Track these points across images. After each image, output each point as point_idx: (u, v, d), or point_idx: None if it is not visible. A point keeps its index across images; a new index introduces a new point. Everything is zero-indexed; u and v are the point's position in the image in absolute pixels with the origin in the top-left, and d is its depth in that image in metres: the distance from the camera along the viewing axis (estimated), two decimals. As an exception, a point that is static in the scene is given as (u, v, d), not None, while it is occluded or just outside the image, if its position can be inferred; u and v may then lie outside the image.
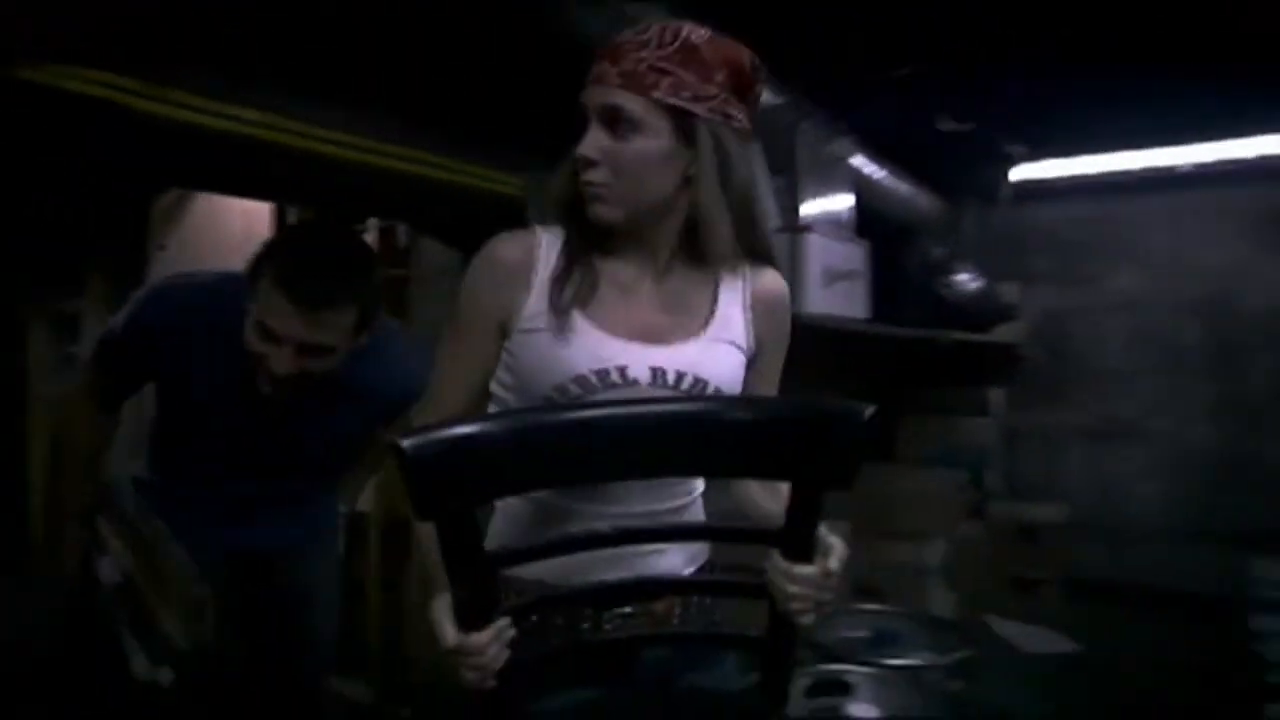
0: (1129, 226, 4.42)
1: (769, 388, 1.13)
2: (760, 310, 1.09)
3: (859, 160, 3.20)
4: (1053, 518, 4.21)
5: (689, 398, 1.02)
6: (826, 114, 2.80)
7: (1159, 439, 4.37)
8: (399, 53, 2.20)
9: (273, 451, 1.55)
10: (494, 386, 1.07)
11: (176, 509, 1.54)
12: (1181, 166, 4.09)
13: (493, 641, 0.84)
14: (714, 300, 1.07)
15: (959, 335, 4.00)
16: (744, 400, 1.05)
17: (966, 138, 3.53)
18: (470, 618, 0.82)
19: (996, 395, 4.60)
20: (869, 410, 0.81)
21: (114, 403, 1.57)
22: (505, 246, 1.05)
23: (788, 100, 2.41)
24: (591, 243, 1.04)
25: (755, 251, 1.08)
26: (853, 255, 2.97)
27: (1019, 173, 4.20)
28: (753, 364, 1.10)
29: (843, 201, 3.01)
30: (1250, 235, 4.20)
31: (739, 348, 1.07)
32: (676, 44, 0.97)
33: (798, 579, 0.87)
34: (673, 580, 1.07)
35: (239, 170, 2.38)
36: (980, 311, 4.17)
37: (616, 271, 1.04)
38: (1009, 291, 4.40)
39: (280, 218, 3.28)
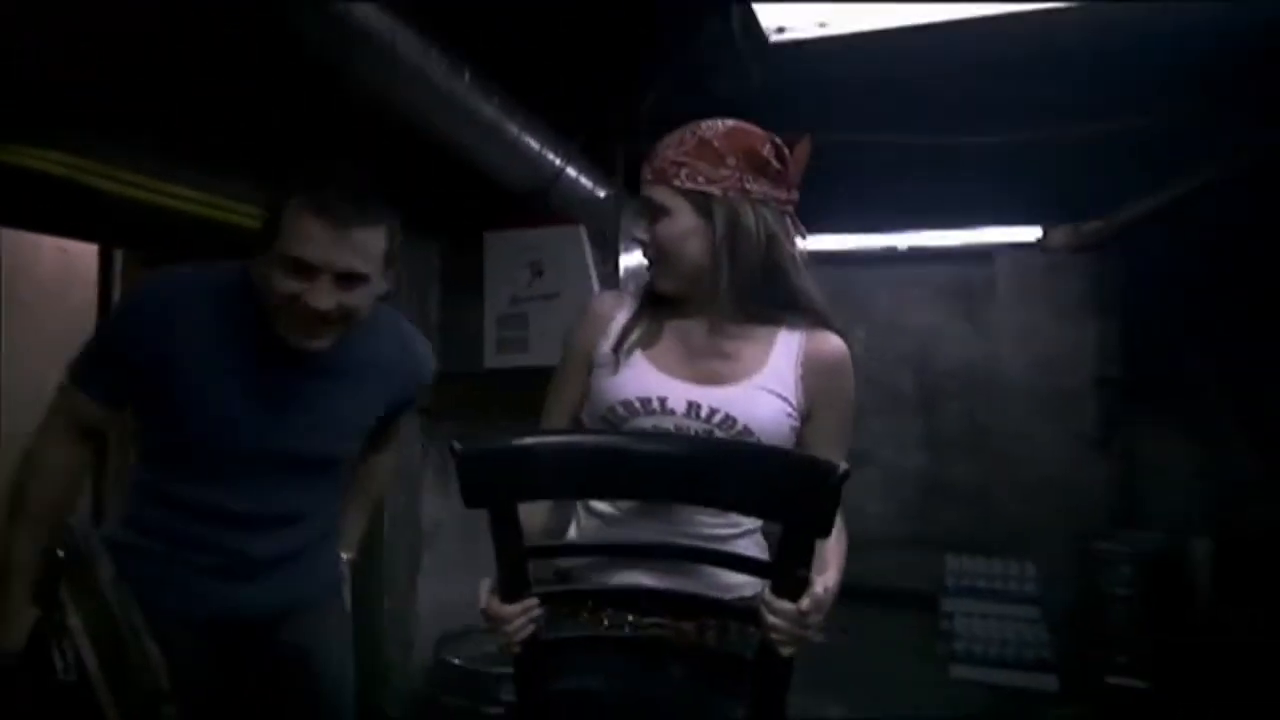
0: (862, 291, 5.15)
1: (828, 445, 1.12)
2: (812, 369, 1.14)
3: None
4: (808, 532, 4.92)
5: (697, 439, 1.08)
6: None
7: (885, 465, 5.10)
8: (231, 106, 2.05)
9: (284, 446, 1.36)
10: (582, 412, 1.22)
11: (159, 572, 1.36)
12: (900, 248, 4.92)
13: (518, 615, 0.98)
14: (768, 355, 1.14)
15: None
16: (745, 446, 1.08)
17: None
18: (506, 592, 1.00)
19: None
20: (845, 467, 0.90)
21: (99, 424, 1.34)
22: (599, 301, 1.24)
23: (613, 193, 2.90)
24: (661, 303, 1.18)
25: (792, 306, 1.14)
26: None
27: (781, 246, 4.93)
28: (809, 421, 1.15)
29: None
30: (943, 304, 5.12)
31: (785, 400, 1.12)
32: (694, 140, 1.11)
33: (778, 612, 0.93)
34: (664, 592, 1.10)
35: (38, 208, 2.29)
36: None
37: (680, 326, 1.16)
38: (773, 342, 5.01)
39: (106, 259, 3.19)
